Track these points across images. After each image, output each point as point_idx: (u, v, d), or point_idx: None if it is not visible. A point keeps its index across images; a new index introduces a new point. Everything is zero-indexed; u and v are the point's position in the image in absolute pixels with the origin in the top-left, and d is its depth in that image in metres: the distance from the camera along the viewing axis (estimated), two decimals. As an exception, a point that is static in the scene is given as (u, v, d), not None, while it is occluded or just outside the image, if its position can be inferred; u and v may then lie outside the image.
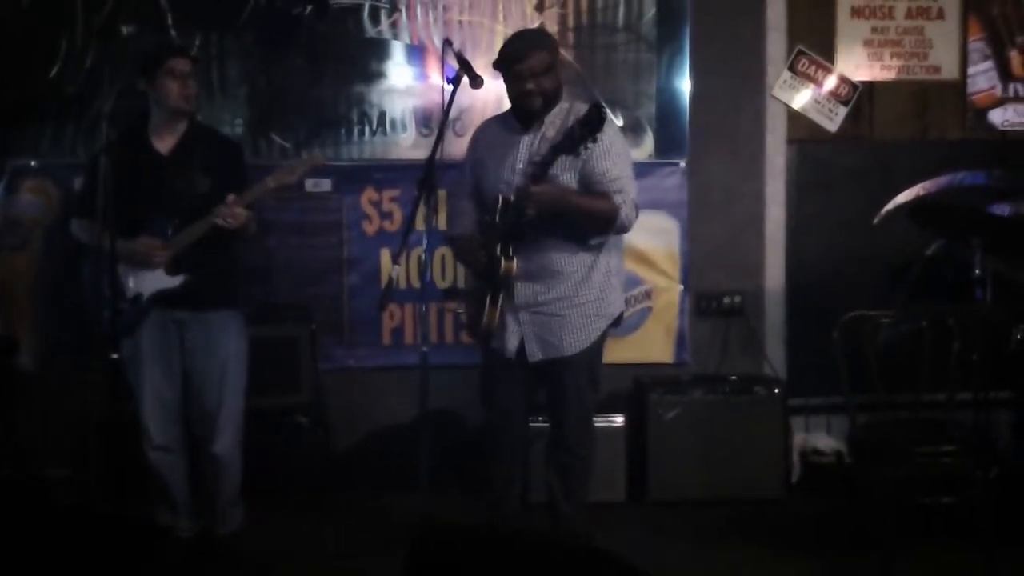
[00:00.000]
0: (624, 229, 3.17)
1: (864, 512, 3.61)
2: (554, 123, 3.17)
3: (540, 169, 3.03)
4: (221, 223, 3.23)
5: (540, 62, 3.12)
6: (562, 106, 3.22)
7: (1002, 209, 4.55)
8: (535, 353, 3.21)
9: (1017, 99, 4.64)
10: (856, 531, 3.61)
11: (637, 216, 3.20)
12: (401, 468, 3.73)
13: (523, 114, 3.21)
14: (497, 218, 3.17)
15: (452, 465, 3.98)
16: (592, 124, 2.92)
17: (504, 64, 3.16)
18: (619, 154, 3.16)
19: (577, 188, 3.15)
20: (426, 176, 3.07)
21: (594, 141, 2.94)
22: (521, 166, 3.17)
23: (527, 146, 3.20)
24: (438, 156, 3.09)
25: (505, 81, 3.20)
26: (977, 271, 3.63)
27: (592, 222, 3.12)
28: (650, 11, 4.44)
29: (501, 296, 3.19)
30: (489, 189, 3.26)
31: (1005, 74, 4.63)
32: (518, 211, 3.09)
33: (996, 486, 3.62)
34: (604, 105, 3.07)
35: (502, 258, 3.13)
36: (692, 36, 4.45)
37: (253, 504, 3.61)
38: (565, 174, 3.12)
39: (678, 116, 4.48)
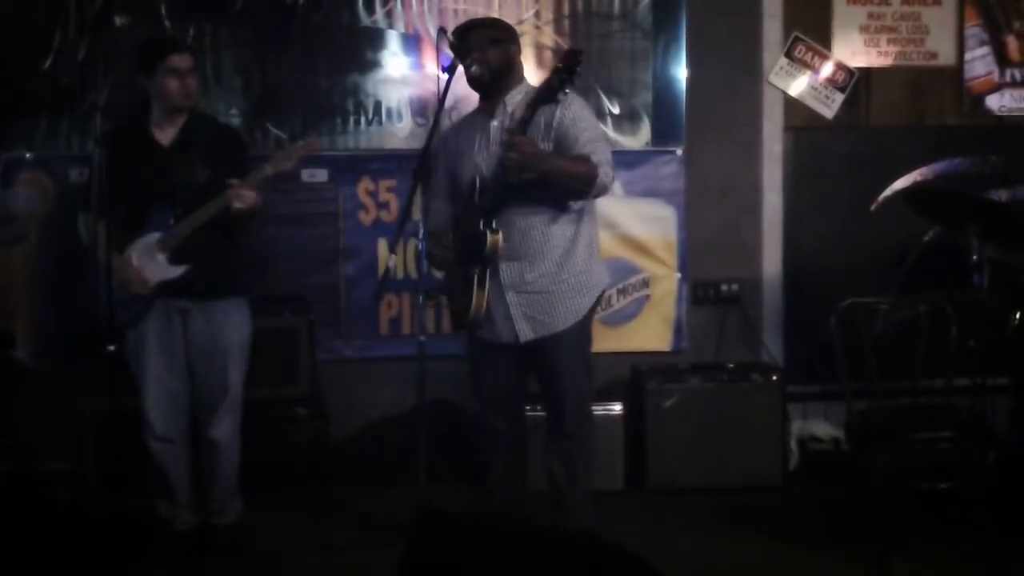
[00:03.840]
0: (604, 190, 3.15)
1: (862, 499, 3.62)
2: (520, 104, 3.19)
3: (520, 125, 3.05)
4: (236, 204, 3.22)
5: (481, 36, 3.20)
6: (527, 89, 3.24)
7: (999, 195, 4.55)
8: (526, 333, 3.20)
9: (1014, 84, 4.63)
10: (854, 518, 3.61)
11: (614, 179, 3.20)
12: (400, 459, 3.73)
13: (480, 92, 3.24)
14: (476, 199, 3.18)
15: (452, 455, 3.99)
16: (570, 65, 2.95)
17: (451, 48, 3.21)
18: (589, 120, 3.21)
19: None
20: (421, 165, 3.07)
21: (572, 84, 2.99)
22: (494, 148, 3.18)
23: (496, 129, 3.22)
24: (434, 145, 3.08)
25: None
26: (974, 257, 3.62)
27: (573, 183, 3.11)
28: (646, -2, 4.42)
29: (488, 278, 3.18)
30: (465, 177, 3.28)
31: (1002, 60, 4.62)
32: (501, 179, 3.09)
33: (993, 472, 3.63)
34: (581, 49, 3.10)
35: (487, 232, 3.13)
36: (688, 23, 4.44)
37: (252, 496, 3.61)
38: (540, 145, 3.12)
39: (674, 104, 4.47)
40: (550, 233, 3.18)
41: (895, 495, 3.39)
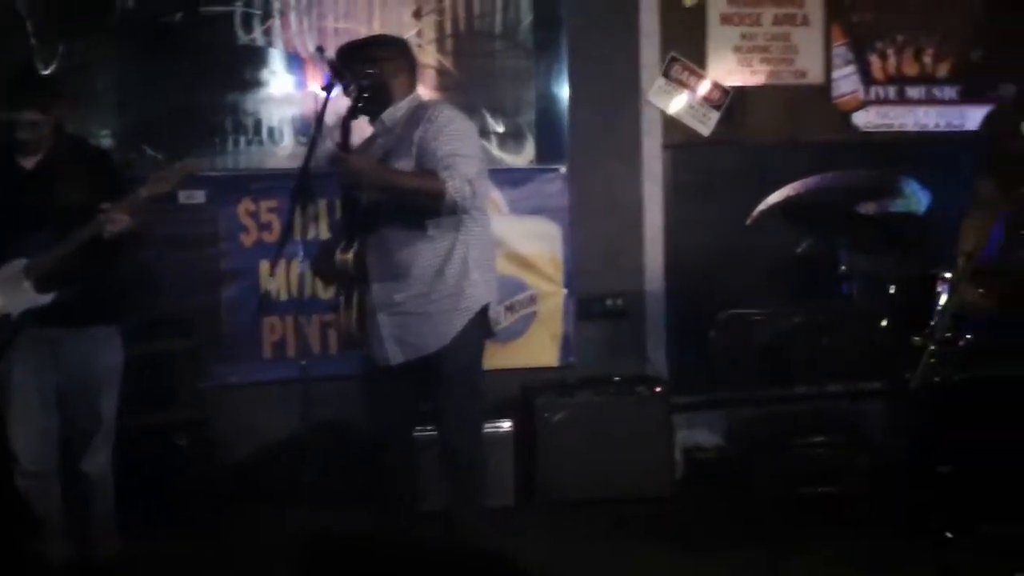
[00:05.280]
0: (459, 207, 3.06)
1: (747, 505, 3.71)
2: (401, 121, 3.19)
3: (342, 134, 3.04)
4: (109, 229, 3.10)
5: (355, 56, 3.20)
6: (411, 104, 3.23)
7: (867, 208, 4.76)
8: (396, 355, 3.17)
9: (879, 102, 4.84)
10: (739, 524, 3.70)
11: (474, 194, 3.08)
12: (289, 483, 3.65)
13: (358, 112, 3.20)
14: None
15: (341, 478, 3.92)
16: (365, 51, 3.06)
17: (330, 67, 3.22)
18: (453, 133, 3.13)
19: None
20: (300, 186, 3.02)
21: (371, 69, 3.03)
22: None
23: (378, 147, 3.22)
24: (313, 165, 3.04)
25: None
26: (844, 268, 3.77)
27: (418, 199, 3.07)
28: (527, 18, 4.48)
29: (355, 297, 3.15)
30: None
31: (867, 78, 4.83)
32: (346, 193, 3.07)
33: (870, 474, 3.78)
34: (392, 40, 3.18)
35: (337, 251, 3.11)
36: (569, 44, 4.52)
37: (135, 528, 3.48)
38: (401, 160, 3.12)
39: (557, 122, 4.53)
40: (418, 252, 3.13)
41: (777, 500, 3.49)
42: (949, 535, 3.37)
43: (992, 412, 3.44)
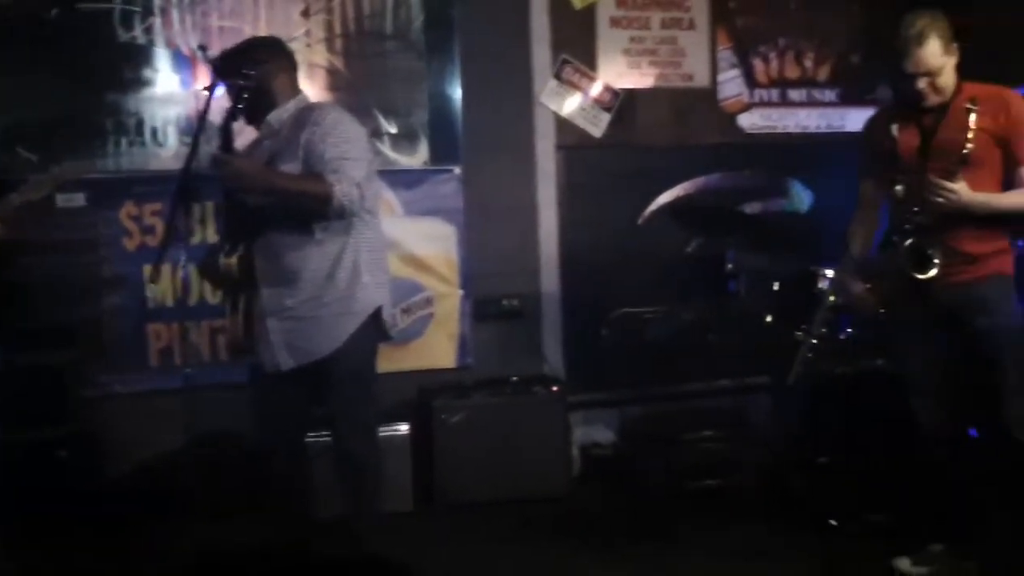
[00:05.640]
0: (347, 211, 3.02)
1: (638, 500, 3.77)
2: (288, 123, 3.14)
3: (224, 136, 2.99)
4: None
5: (237, 59, 3.13)
6: (299, 105, 3.19)
7: (752, 207, 4.90)
8: (287, 361, 3.12)
9: (763, 104, 4.98)
10: (632, 520, 3.76)
11: (363, 197, 3.05)
12: (176, 494, 3.56)
13: (242, 114, 3.14)
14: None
15: (233, 487, 3.83)
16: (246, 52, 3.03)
17: (212, 67, 3.19)
18: (340, 136, 3.08)
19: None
20: (181, 188, 2.93)
21: (249, 78, 3.00)
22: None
23: (264, 149, 3.16)
24: (196, 167, 2.96)
25: None
26: (730, 266, 3.87)
27: (304, 202, 3.02)
28: (418, 19, 4.45)
29: (242, 303, 3.09)
30: None
31: (751, 81, 4.97)
32: (230, 196, 3.02)
33: (757, 466, 3.89)
34: (270, 41, 3.16)
35: (220, 256, 3.06)
36: (461, 44, 4.51)
37: (16, 546, 3.33)
38: (287, 163, 3.07)
39: (451, 123, 4.52)
40: (308, 256, 3.08)
41: (668, 495, 3.55)
42: (833, 523, 3.49)
43: (870, 404, 3.58)
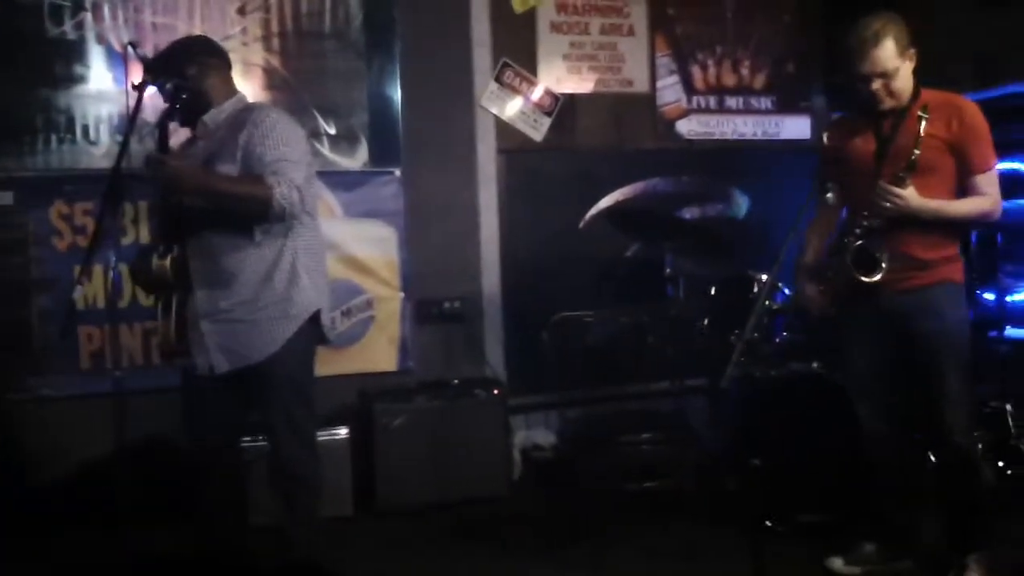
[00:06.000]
0: (287, 214, 2.98)
1: (577, 502, 3.78)
2: (224, 124, 3.09)
3: (160, 136, 2.94)
4: None
5: (170, 61, 3.10)
6: (235, 106, 3.14)
7: (690, 213, 4.96)
8: (221, 364, 3.06)
9: (700, 111, 5.05)
10: (571, 521, 3.77)
11: (303, 199, 3.01)
12: (104, 502, 3.46)
13: (177, 115, 3.10)
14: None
15: (161, 495, 3.74)
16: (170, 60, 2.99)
17: (144, 66, 3.11)
18: (279, 138, 3.04)
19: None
20: (111, 187, 2.86)
21: (183, 78, 2.98)
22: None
23: (200, 150, 3.11)
24: (125, 165, 2.89)
25: None
26: (669, 270, 3.91)
27: (243, 205, 2.97)
28: (357, 18, 4.42)
29: (175, 305, 3.04)
30: None
31: (689, 88, 5.03)
32: (164, 197, 2.97)
33: (694, 468, 3.93)
34: (202, 42, 3.11)
35: (153, 258, 3.01)
36: (401, 45, 4.49)
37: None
38: (225, 164, 3.02)
39: (391, 125, 4.49)
40: (245, 258, 3.03)
41: (607, 496, 3.57)
42: (768, 524, 3.54)
43: (804, 406, 3.64)
